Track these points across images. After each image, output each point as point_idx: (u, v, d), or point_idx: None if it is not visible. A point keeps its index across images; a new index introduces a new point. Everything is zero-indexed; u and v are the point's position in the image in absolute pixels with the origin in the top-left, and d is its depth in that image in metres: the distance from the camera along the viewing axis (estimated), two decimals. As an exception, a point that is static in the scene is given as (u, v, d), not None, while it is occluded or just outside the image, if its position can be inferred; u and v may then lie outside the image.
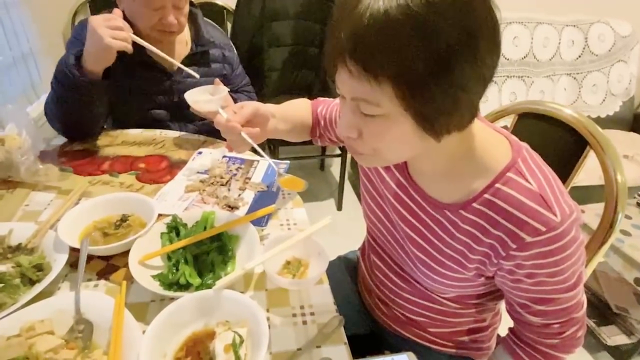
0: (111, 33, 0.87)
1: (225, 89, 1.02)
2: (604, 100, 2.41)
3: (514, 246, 0.53)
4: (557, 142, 0.87)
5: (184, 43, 1.18)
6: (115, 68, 0.95)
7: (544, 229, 0.51)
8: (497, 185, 0.54)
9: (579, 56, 2.33)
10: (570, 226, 0.52)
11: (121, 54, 0.92)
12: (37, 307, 0.57)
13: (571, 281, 0.56)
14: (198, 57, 1.18)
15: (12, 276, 0.61)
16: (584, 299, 0.60)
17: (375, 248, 0.79)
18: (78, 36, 1.06)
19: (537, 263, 0.53)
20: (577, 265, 0.56)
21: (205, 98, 1.00)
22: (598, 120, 2.38)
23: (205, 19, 1.25)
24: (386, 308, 0.80)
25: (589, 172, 0.83)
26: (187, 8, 1.08)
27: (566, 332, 0.60)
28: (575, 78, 2.36)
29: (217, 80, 1.06)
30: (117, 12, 0.93)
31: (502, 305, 0.76)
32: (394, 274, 0.75)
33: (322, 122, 0.86)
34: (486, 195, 0.55)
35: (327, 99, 0.89)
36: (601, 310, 1.53)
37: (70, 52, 0.94)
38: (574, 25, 2.27)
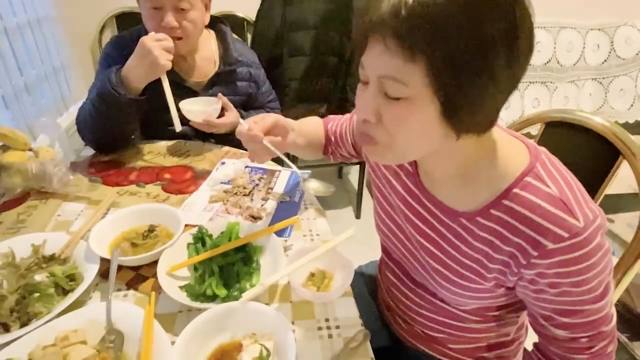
0: (166, 55, 0.93)
1: (218, 107, 1.07)
2: (632, 105, 2.33)
3: (535, 254, 0.50)
4: (587, 151, 0.84)
5: (212, 62, 1.21)
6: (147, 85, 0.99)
7: (566, 235, 0.48)
8: (515, 190, 0.52)
9: (605, 60, 2.27)
10: (594, 232, 0.49)
11: None
12: (70, 316, 0.59)
13: (598, 291, 0.53)
14: (224, 76, 1.19)
15: (47, 286, 0.63)
16: (613, 311, 0.57)
17: (390, 265, 0.78)
18: (110, 51, 1.11)
19: (560, 272, 0.51)
20: (604, 275, 0.52)
21: (199, 109, 1.05)
22: (626, 126, 2.30)
23: (234, 36, 1.27)
24: (406, 325, 0.78)
25: (618, 180, 0.80)
26: (194, 15, 1.06)
27: (595, 347, 0.56)
28: (601, 83, 2.30)
29: (220, 95, 1.09)
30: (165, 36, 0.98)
31: (522, 319, 0.74)
32: (410, 290, 0.73)
33: (333, 139, 0.87)
34: (504, 201, 0.53)
35: (336, 116, 0.90)
36: (634, 324, 1.46)
37: (111, 71, 0.97)
38: (599, 29, 2.22)
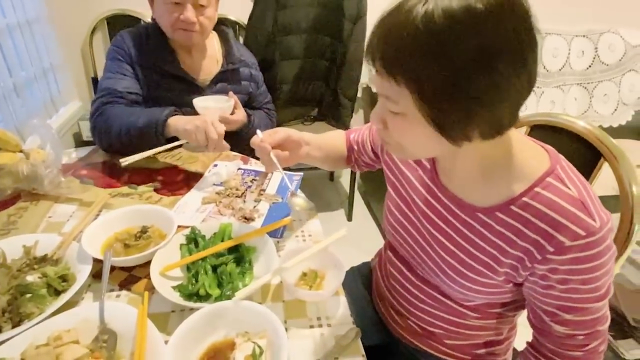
0: (215, 138, 0.94)
1: (231, 103, 1.09)
2: (615, 109, 2.39)
3: (552, 249, 0.53)
4: (571, 154, 0.87)
5: (215, 60, 1.23)
6: (151, 80, 1.00)
7: (583, 233, 0.51)
8: (537, 189, 0.54)
9: (590, 66, 2.32)
10: (607, 234, 0.52)
11: (158, 67, 0.97)
12: (62, 317, 0.59)
13: (601, 291, 0.56)
14: (228, 75, 1.23)
15: (39, 286, 0.63)
16: (608, 312, 0.60)
17: (393, 258, 0.80)
18: (124, 47, 1.13)
19: (572, 268, 0.54)
20: (608, 276, 0.56)
21: (213, 105, 1.06)
22: (610, 130, 2.36)
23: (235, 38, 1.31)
24: (401, 319, 0.80)
25: (601, 182, 0.83)
26: (210, 12, 1.12)
27: (589, 345, 0.59)
28: (586, 88, 2.36)
29: (231, 93, 1.11)
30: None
31: (519, 319, 0.76)
32: (411, 284, 0.75)
33: (355, 147, 0.90)
34: (525, 199, 0.55)
35: (359, 127, 0.93)
36: (618, 324, 1.50)
37: (161, 117, 1.00)
38: (584, 36, 2.28)
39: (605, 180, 0.80)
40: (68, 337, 0.55)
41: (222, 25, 1.27)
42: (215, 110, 1.07)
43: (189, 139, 0.98)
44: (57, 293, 0.65)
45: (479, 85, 0.46)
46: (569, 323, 0.58)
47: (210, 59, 1.22)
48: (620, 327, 1.48)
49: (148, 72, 1.13)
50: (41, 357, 0.52)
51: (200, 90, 1.19)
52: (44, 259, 0.70)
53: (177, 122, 0.99)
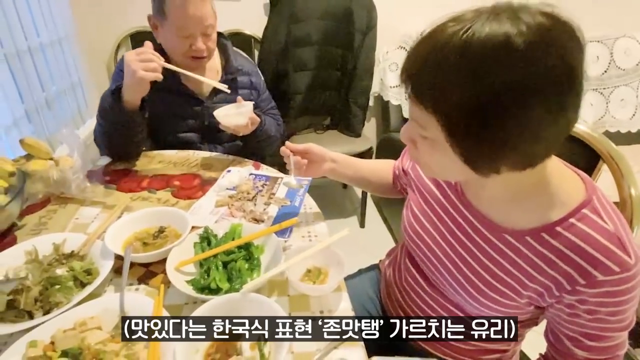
0: (143, 66, 0.97)
1: (250, 103, 1.13)
2: (633, 114, 2.36)
3: (583, 282, 0.52)
4: (570, 156, 0.88)
5: (215, 71, 1.29)
6: (152, 96, 1.06)
7: (618, 269, 0.51)
8: (572, 220, 0.53)
9: (605, 71, 2.30)
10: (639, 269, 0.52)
11: (158, 84, 1.02)
12: (87, 306, 0.65)
13: (627, 322, 0.56)
14: (227, 84, 1.27)
15: (67, 279, 0.69)
16: (627, 337, 0.59)
17: (409, 265, 0.80)
18: (122, 67, 1.19)
19: (602, 301, 0.53)
20: (635, 307, 0.56)
21: (234, 112, 1.11)
22: (629, 135, 2.33)
23: (234, 48, 1.36)
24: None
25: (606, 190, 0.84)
26: (215, 35, 1.18)
27: None
28: (602, 93, 2.34)
29: (240, 97, 1.16)
30: (147, 44, 1.03)
31: (526, 332, 0.76)
32: (425, 292, 0.76)
33: (397, 172, 0.92)
34: (558, 228, 0.54)
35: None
36: (635, 332, 1.47)
37: (109, 89, 1.05)
38: (598, 41, 2.27)
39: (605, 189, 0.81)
40: (92, 323, 0.61)
41: (221, 38, 1.31)
42: (235, 115, 1.11)
43: (131, 85, 0.99)
44: (83, 285, 0.71)
45: (507, 125, 0.44)
46: (590, 349, 0.58)
47: (210, 71, 1.28)
48: (637, 335, 1.45)
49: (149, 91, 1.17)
50: (68, 339, 0.57)
51: (200, 103, 1.24)
52: (71, 255, 0.76)
53: (124, 85, 1.01)
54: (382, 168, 0.95)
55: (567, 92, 0.44)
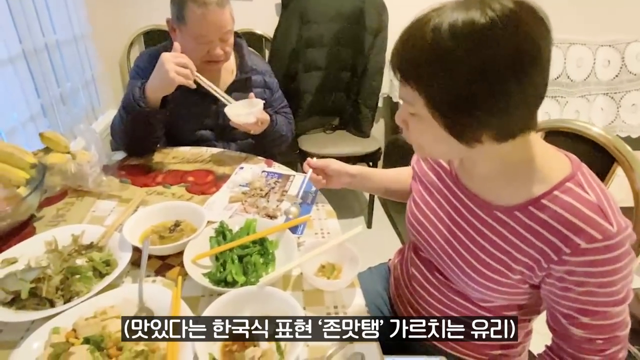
0: (176, 69, 1.00)
1: (261, 102, 1.14)
2: (645, 120, 2.34)
3: (568, 251, 0.55)
4: (585, 159, 0.88)
5: (230, 71, 1.31)
6: (173, 95, 1.08)
7: (600, 237, 0.53)
8: (556, 192, 0.57)
9: (616, 76, 2.29)
10: (624, 239, 0.54)
11: (178, 85, 1.03)
12: (107, 295, 0.66)
13: (620, 295, 0.57)
14: (242, 83, 1.30)
15: (86, 269, 0.71)
16: (628, 319, 0.60)
17: (415, 259, 0.82)
18: (141, 64, 1.21)
19: (588, 271, 0.55)
20: (627, 281, 0.56)
21: (245, 111, 1.12)
22: (639, 141, 2.31)
23: (249, 48, 1.38)
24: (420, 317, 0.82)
25: (615, 192, 0.84)
26: (232, 39, 1.20)
27: (608, 350, 0.60)
28: (612, 98, 2.33)
29: (252, 94, 1.18)
30: (176, 46, 1.05)
31: (537, 327, 0.76)
32: (431, 285, 0.77)
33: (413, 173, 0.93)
34: (543, 201, 0.57)
35: None
36: (637, 332, 1.46)
37: (135, 85, 1.06)
38: (610, 45, 2.26)
39: (619, 191, 0.81)
40: (112, 312, 0.62)
41: (237, 37, 1.31)
42: (245, 115, 1.12)
43: (159, 84, 1.01)
44: (102, 275, 0.72)
45: (482, 97, 0.50)
46: (587, 327, 0.59)
47: (225, 70, 1.29)
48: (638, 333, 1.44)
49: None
50: (90, 327, 0.59)
51: (215, 101, 1.25)
52: (90, 246, 0.78)
53: (149, 80, 1.03)
54: (403, 174, 0.97)
55: (529, 62, 0.49)
